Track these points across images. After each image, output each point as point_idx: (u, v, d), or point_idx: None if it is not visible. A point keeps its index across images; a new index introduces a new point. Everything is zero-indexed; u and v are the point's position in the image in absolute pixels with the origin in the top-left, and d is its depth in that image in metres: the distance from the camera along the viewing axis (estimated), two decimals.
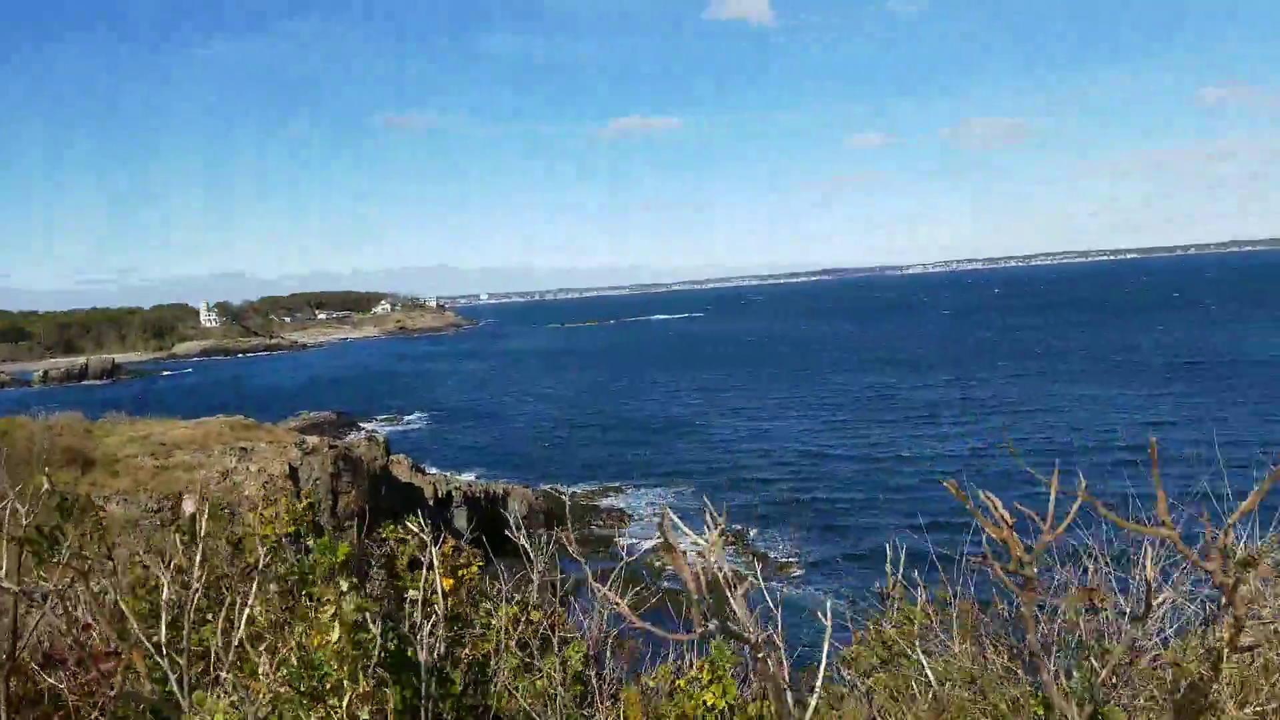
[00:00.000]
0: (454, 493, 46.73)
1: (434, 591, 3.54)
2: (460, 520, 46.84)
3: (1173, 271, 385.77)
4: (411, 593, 3.63)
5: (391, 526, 4.04)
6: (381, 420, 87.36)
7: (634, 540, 43.70)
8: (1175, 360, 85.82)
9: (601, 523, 47.02)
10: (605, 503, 51.44)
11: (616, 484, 54.99)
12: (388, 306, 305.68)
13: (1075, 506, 2.92)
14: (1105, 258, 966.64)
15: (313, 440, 39.31)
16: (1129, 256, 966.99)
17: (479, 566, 3.85)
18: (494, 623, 3.75)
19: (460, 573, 3.77)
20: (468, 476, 54.33)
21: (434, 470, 54.61)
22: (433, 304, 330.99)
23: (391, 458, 46.44)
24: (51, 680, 3.13)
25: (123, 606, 3.21)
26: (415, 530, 3.89)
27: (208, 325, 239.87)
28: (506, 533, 4.86)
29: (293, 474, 35.63)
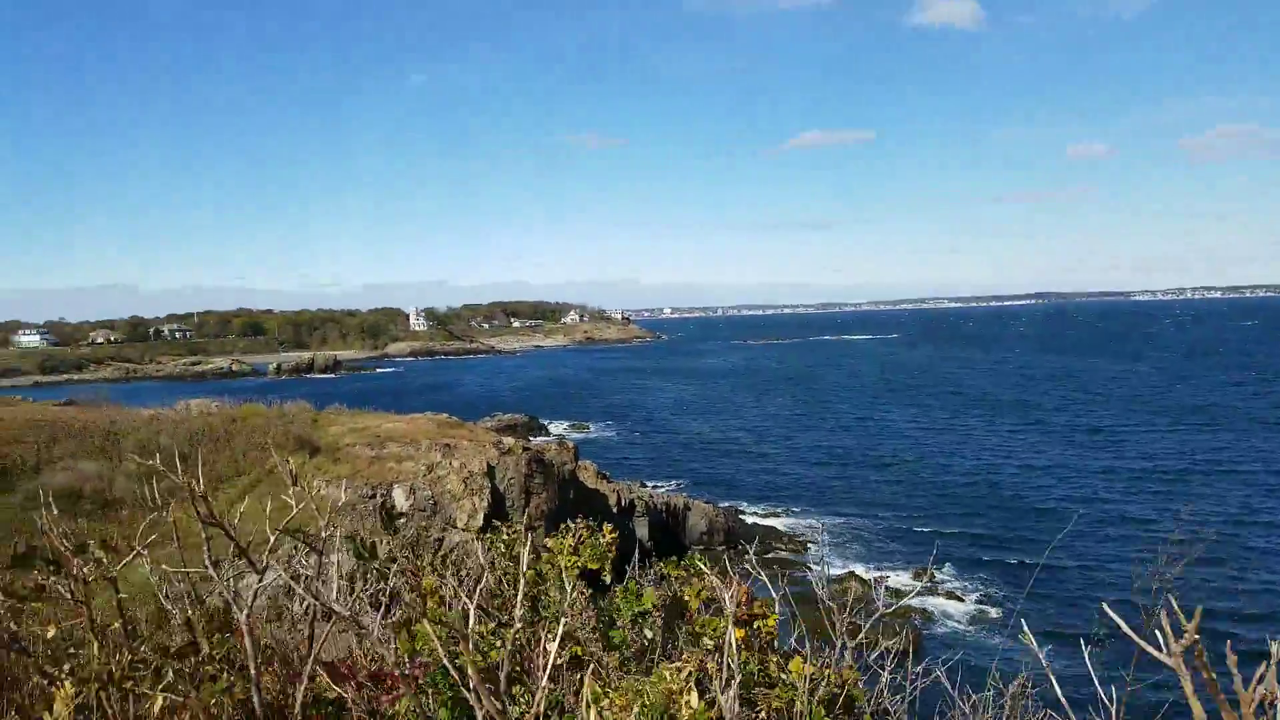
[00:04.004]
0: (636, 502, 47.13)
1: (727, 643, 3.15)
2: (641, 529, 47.27)
3: None
4: (706, 641, 3.34)
5: (674, 562, 3.74)
6: (568, 426, 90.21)
7: (816, 565, 42.37)
8: None
9: (783, 545, 46.03)
10: (786, 524, 50.27)
11: (799, 508, 53.61)
12: (576, 317, 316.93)
13: None
14: None
15: (509, 441, 40.89)
16: None
17: (776, 620, 3.60)
18: (788, 678, 3.26)
19: (756, 624, 3.49)
20: (650, 487, 54.70)
21: (617, 479, 55.52)
22: (618, 316, 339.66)
23: (579, 463, 47.54)
24: (340, 691, 3.03)
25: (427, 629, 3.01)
26: (704, 570, 3.59)
27: (416, 328, 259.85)
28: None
29: (490, 472, 37.16)
